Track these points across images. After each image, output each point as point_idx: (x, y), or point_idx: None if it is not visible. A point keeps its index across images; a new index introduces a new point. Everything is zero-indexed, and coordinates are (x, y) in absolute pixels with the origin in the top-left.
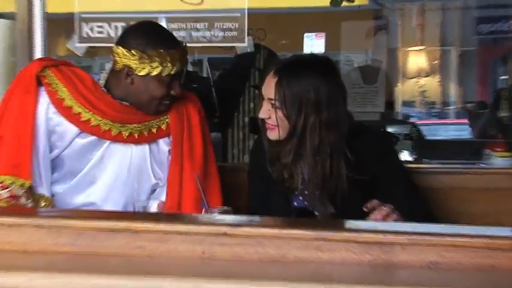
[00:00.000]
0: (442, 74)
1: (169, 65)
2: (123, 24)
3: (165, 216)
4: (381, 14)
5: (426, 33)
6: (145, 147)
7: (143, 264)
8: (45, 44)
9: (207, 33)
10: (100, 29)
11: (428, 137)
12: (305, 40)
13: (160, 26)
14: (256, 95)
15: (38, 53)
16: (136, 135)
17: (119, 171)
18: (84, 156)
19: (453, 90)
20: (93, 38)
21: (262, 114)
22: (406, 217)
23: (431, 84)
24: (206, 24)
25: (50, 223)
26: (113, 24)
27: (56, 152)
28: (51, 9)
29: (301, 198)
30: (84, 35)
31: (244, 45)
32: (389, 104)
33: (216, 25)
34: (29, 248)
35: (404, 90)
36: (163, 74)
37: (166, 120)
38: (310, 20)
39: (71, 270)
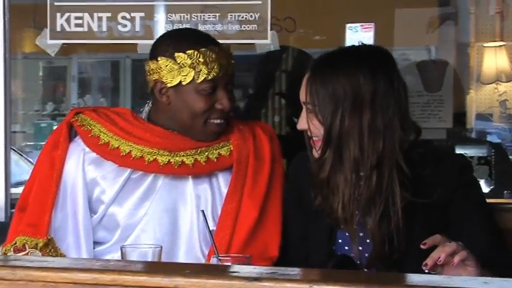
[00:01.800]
0: None
1: (203, 68)
2: (108, 14)
3: (162, 266)
4: None
5: (507, 25)
6: (204, 180)
7: None
8: (9, 40)
9: (218, 26)
10: (79, 21)
11: None
12: (347, 33)
13: (192, 28)
14: (282, 106)
15: None
16: (190, 164)
17: (171, 213)
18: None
19: None
20: (70, 32)
21: (299, 125)
22: (487, 268)
23: None
24: (217, 14)
25: (14, 275)
26: (96, 14)
27: (102, 207)
28: None
29: (347, 234)
30: (58, 29)
31: (267, 42)
32: (459, 117)
33: (229, 16)
34: None
35: (478, 99)
36: (199, 81)
37: (229, 147)
38: (354, 6)
39: None
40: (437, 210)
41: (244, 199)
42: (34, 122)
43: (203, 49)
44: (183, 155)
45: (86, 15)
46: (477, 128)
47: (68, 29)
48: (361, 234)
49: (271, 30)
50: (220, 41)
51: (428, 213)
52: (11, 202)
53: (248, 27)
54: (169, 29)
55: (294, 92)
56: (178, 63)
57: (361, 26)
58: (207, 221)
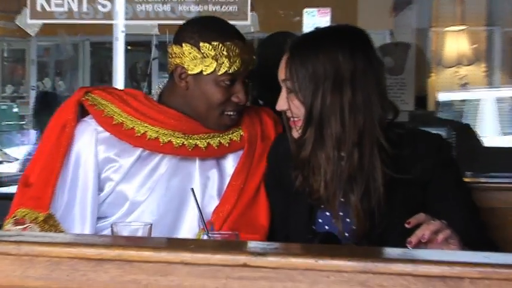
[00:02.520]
0: (488, 62)
1: (225, 61)
2: None
3: (166, 242)
4: None
5: (468, 9)
6: (212, 162)
7: None
8: None
9: (196, 8)
10: (59, 1)
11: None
12: (305, 17)
13: (220, 19)
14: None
15: None
16: (203, 148)
17: (177, 192)
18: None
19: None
20: (50, 12)
21: (278, 106)
22: (465, 246)
23: (475, 74)
24: None
25: (19, 250)
26: None
27: (111, 185)
28: None
29: (327, 213)
30: (39, 9)
31: (247, 23)
32: (421, 100)
33: None
34: None
35: (440, 82)
36: (219, 73)
37: (240, 132)
38: None
39: None
40: (416, 189)
41: (248, 177)
42: None
43: (228, 42)
44: (196, 138)
45: None
46: (438, 110)
47: (48, 9)
48: (341, 213)
49: (251, 12)
50: None
51: (408, 192)
52: None
53: (228, 8)
54: (148, 10)
55: (260, 75)
56: (202, 53)
57: (318, 10)
58: (196, 199)
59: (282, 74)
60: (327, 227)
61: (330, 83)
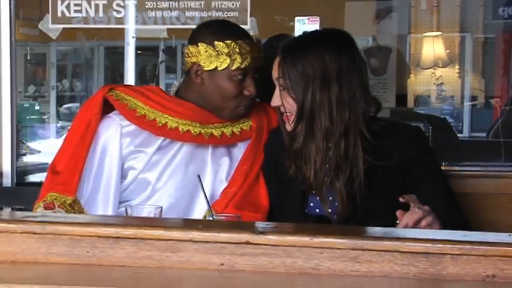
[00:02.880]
0: (461, 64)
1: (238, 57)
2: (104, 2)
3: (176, 222)
4: None
5: (443, 17)
6: (223, 150)
7: (151, 276)
8: (14, 25)
9: (201, 14)
10: (78, 7)
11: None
12: (296, 25)
13: (231, 21)
14: None
15: (5, 36)
16: (218, 136)
17: (192, 177)
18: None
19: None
20: (69, 18)
21: (273, 102)
22: (443, 226)
23: (450, 75)
24: (202, 2)
25: (43, 229)
26: (93, 2)
27: (134, 173)
28: None
29: (318, 198)
30: (59, 15)
31: (247, 27)
32: (401, 98)
33: (213, 4)
34: (19, 258)
35: (418, 82)
36: (232, 68)
37: (249, 123)
38: (303, 1)
39: (67, 283)
40: (396, 175)
41: (253, 163)
42: (18, 102)
43: (240, 41)
44: (212, 128)
45: (84, 3)
46: (417, 107)
47: (68, 15)
48: (330, 198)
49: (250, 17)
50: None
51: (388, 178)
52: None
53: (230, 14)
54: (158, 17)
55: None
56: (217, 51)
57: (308, 18)
58: (202, 185)
59: (275, 73)
60: (317, 210)
61: (319, 81)
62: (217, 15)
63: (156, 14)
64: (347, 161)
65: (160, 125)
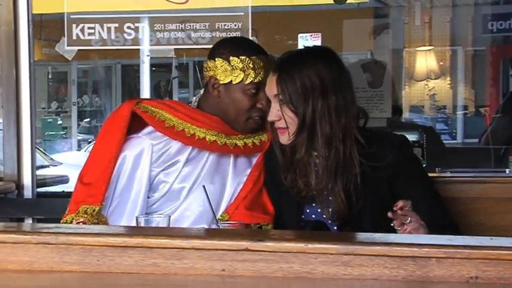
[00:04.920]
0: (452, 76)
1: (251, 72)
2: (116, 25)
3: (180, 231)
4: (384, 11)
5: (434, 32)
6: (243, 160)
7: (158, 283)
8: (32, 47)
9: (208, 34)
10: (91, 31)
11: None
12: (299, 41)
13: (247, 38)
14: None
15: (24, 57)
16: (241, 146)
17: (218, 186)
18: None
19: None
20: (84, 40)
21: (271, 117)
22: (431, 228)
23: (442, 87)
24: (207, 24)
25: (57, 240)
26: (106, 25)
27: (165, 186)
28: (37, 10)
29: (314, 205)
30: (74, 37)
31: None
32: (396, 108)
33: (217, 25)
34: (35, 267)
35: (412, 93)
36: (246, 82)
37: (266, 135)
38: (305, 19)
39: None
40: (383, 181)
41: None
42: (41, 117)
43: (253, 57)
44: (236, 139)
45: (97, 26)
46: (411, 117)
47: (82, 37)
48: (330, 198)
49: (252, 36)
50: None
51: (376, 183)
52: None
53: (233, 34)
54: (166, 37)
55: None
56: (232, 66)
57: (311, 35)
58: (208, 195)
59: (273, 89)
60: (313, 216)
61: (318, 91)
62: (221, 36)
63: (165, 35)
64: (345, 164)
65: (189, 135)
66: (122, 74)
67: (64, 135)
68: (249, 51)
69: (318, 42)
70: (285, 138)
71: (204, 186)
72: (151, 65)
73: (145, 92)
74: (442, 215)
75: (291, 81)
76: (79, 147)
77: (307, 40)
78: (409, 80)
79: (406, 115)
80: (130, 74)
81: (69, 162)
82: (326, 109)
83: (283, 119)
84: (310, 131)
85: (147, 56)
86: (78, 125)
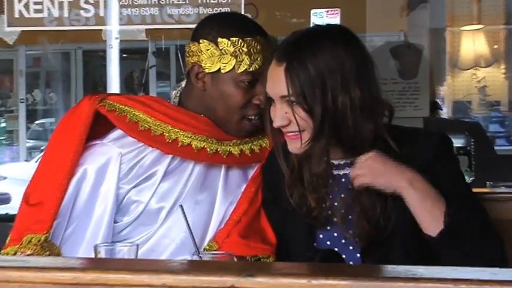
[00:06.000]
0: (508, 63)
1: (245, 58)
2: None
3: (148, 264)
4: None
5: (485, 7)
6: (237, 171)
7: None
8: None
9: (191, 10)
10: (38, 7)
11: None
12: (312, 19)
13: (241, 14)
14: None
15: None
16: (237, 154)
17: (205, 205)
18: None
19: None
20: (30, 19)
21: (279, 121)
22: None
23: (494, 77)
24: None
25: None
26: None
27: (138, 207)
28: None
29: (329, 228)
30: (17, 15)
31: None
32: (435, 105)
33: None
34: None
35: (456, 86)
36: (239, 71)
37: (263, 143)
38: None
39: None
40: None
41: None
42: None
43: (248, 38)
44: (230, 145)
45: (46, 0)
46: (455, 116)
47: (27, 15)
48: (350, 216)
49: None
50: (188, 27)
51: None
52: None
53: (222, 10)
54: (137, 14)
55: None
56: (220, 49)
57: (327, 11)
58: (186, 218)
59: (279, 86)
60: (328, 243)
61: (338, 82)
62: (208, 12)
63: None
64: None
65: (170, 140)
66: (84, 62)
67: (8, 142)
68: (243, 31)
69: (336, 20)
70: (296, 146)
71: (181, 206)
72: (121, 51)
73: (114, 85)
74: (477, 217)
75: (303, 72)
76: (28, 157)
77: (321, 17)
78: (453, 69)
79: (448, 113)
80: (95, 62)
81: (14, 177)
82: (349, 106)
83: (295, 122)
84: (330, 137)
85: (116, 38)
86: (28, 128)
